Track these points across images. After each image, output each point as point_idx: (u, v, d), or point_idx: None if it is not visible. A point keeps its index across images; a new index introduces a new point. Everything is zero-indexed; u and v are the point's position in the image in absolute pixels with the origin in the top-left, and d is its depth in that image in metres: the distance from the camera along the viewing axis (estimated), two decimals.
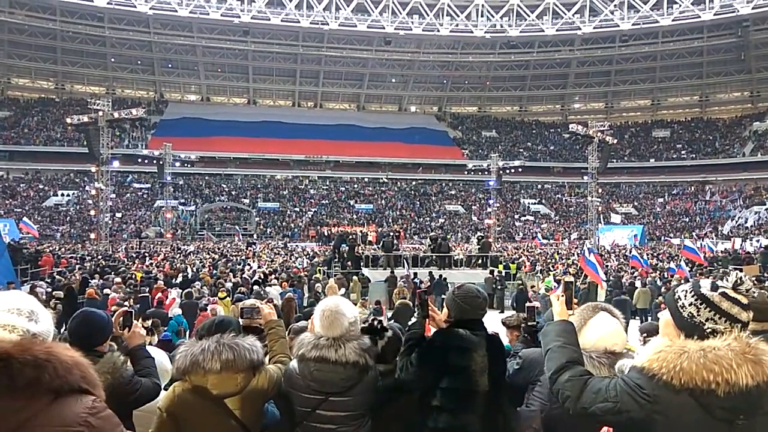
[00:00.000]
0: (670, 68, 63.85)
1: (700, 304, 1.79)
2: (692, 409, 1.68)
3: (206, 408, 2.32)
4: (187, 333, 8.82)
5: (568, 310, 2.28)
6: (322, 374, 2.55)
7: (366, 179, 60.62)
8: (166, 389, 2.65)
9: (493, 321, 2.87)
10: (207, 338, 2.42)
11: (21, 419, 1.29)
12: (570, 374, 1.93)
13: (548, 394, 2.36)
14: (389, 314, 11.91)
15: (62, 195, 50.43)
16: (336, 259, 21.68)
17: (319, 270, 21.03)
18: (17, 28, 55.58)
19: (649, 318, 13.80)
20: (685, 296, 1.83)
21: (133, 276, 15.71)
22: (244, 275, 17.91)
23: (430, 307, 2.82)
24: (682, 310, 1.81)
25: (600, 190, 46.67)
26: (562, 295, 2.32)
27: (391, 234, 25.80)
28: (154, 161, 46.27)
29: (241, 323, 2.80)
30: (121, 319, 2.66)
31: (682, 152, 61.30)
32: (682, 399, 1.68)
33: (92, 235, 39.75)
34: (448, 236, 34.58)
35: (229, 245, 37.16)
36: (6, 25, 54.79)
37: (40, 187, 51.16)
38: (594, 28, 57.81)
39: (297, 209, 54.32)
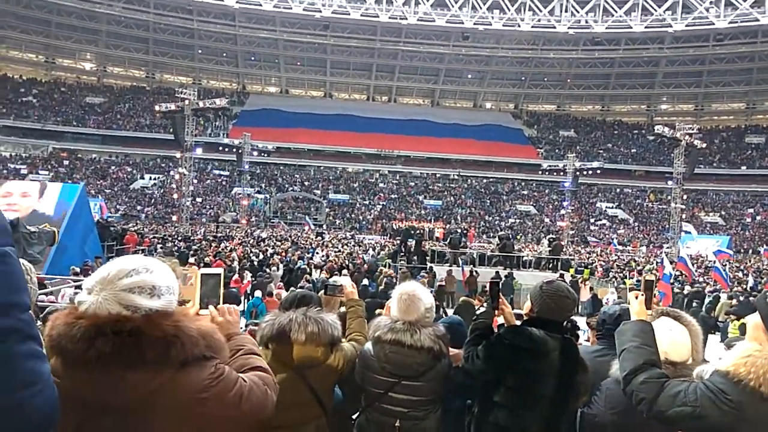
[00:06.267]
0: None
1: None
2: None
3: (286, 376, 2.39)
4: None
5: (647, 310, 2.18)
6: (397, 357, 2.57)
7: (436, 175, 60.31)
8: None
9: None
10: (293, 310, 2.50)
11: (149, 389, 1.39)
12: (646, 376, 1.85)
13: (605, 399, 2.32)
14: (450, 311, 11.76)
15: (148, 178, 53.40)
16: (402, 253, 21.70)
17: (386, 263, 21.11)
18: (115, 19, 59.35)
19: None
20: None
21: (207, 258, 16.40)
22: (312, 262, 18.31)
23: (501, 300, 2.76)
24: None
25: (685, 197, 44.12)
26: (642, 294, 2.22)
27: (459, 231, 25.54)
28: (234, 150, 48.10)
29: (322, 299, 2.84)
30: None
31: None
32: None
33: (174, 218, 41.83)
34: (518, 237, 33.88)
35: (299, 234, 38.06)
36: (105, 17, 58.63)
37: (128, 169, 54.39)
38: (686, 26, 54.64)
39: (366, 202, 54.87)
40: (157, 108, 42.12)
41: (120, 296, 1.44)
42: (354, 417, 2.79)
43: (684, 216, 44.60)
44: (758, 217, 53.06)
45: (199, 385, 1.44)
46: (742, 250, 44.70)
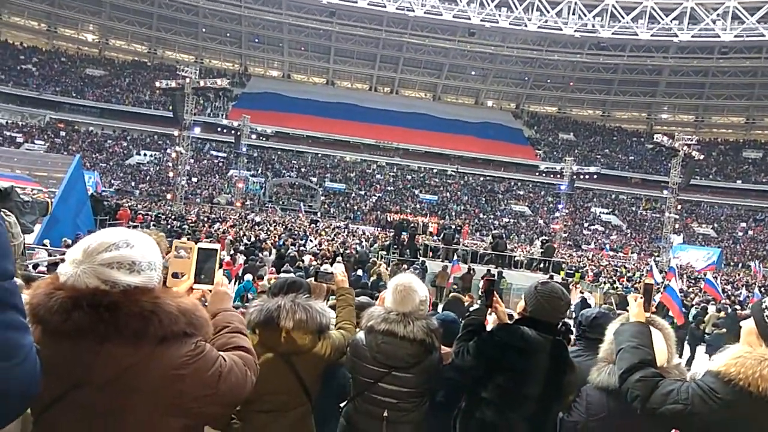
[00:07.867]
0: None
1: None
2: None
3: (272, 362, 2.39)
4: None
5: (645, 313, 2.28)
6: (389, 347, 2.57)
7: (434, 170, 60.32)
8: None
9: None
10: (281, 296, 2.50)
11: (126, 364, 1.38)
12: (641, 374, 1.95)
13: (586, 406, 2.34)
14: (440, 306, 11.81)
15: (144, 155, 53.10)
16: (395, 246, 21.74)
17: (379, 255, 21.14)
18: None
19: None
20: None
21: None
22: (304, 249, 18.29)
23: (494, 298, 2.77)
24: None
25: (679, 207, 44.28)
26: (641, 297, 2.33)
27: (453, 227, 25.56)
28: (232, 131, 47.90)
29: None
30: None
31: None
32: (758, 406, 1.66)
33: (168, 196, 41.65)
34: (511, 236, 33.96)
35: (293, 220, 38.02)
36: None
37: (125, 144, 54.05)
38: (692, 36, 54.65)
39: (362, 192, 54.85)
40: (157, 84, 41.85)
41: (98, 271, 1.42)
42: (341, 405, 2.79)
43: (677, 226, 44.83)
44: (750, 232, 53.43)
45: (177, 361, 1.43)
46: (732, 264, 45.04)
